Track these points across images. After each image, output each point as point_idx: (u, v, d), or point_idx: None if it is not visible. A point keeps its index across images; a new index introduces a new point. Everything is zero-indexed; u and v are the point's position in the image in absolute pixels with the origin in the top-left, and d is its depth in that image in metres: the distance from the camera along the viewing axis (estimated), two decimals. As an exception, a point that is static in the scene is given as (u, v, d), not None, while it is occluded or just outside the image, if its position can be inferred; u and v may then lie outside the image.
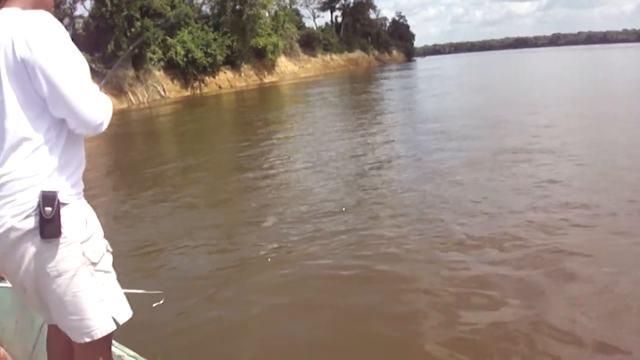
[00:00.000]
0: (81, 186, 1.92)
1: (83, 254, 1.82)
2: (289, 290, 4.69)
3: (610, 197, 6.46)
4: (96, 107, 1.83)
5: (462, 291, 4.32)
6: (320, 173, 9.35)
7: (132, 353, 2.68)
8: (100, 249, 1.91)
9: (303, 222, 6.51)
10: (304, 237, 5.99)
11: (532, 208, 6.21)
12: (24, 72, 1.72)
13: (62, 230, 1.75)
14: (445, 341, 3.67)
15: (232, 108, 27.66)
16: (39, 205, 1.73)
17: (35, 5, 1.83)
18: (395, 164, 9.51)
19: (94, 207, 2.00)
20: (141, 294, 3.49)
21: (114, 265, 1.99)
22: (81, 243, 1.82)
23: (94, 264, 1.86)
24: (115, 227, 7.16)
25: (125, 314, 1.96)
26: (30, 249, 1.76)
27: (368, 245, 5.50)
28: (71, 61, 1.78)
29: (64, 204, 1.78)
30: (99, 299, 1.86)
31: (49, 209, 1.72)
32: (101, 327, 1.87)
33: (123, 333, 2.47)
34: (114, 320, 1.90)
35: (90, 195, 1.99)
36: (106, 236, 2.00)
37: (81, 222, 1.84)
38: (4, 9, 1.79)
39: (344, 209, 6.79)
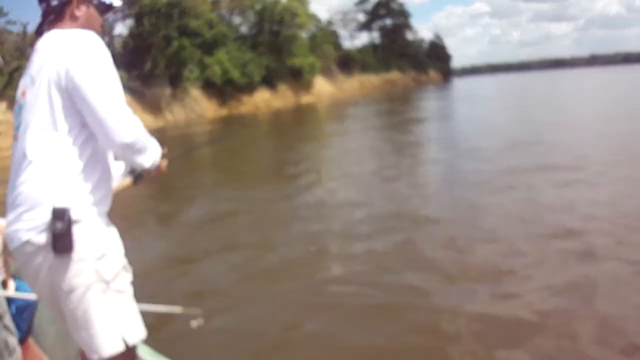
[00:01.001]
0: (104, 204, 1.94)
1: (97, 271, 1.83)
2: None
3: None
4: (125, 122, 1.85)
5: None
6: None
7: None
8: (116, 267, 1.89)
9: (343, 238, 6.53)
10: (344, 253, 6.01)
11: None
12: (62, 83, 1.82)
13: (75, 246, 1.77)
14: None
15: (271, 127, 27.91)
16: (51, 220, 1.76)
17: (85, 27, 1.93)
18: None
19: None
20: (180, 313, 3.49)
21: (134, 283, 1.98)
22: (95, 260, 1.82)
23: (107, 282, 1.85)
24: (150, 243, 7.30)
25: (137, 335, 1.94)
26: (44, 264, 1.80)
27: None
28: (110, 84, 1.85)
29: (78, 221, 1.80)
30: (109, 318, 1.85)
31: (59, 224, 1.75)
32: (108, 347, 1.85)
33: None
34: (125, 341, 1.88)
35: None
36: (137, 253, 1.98)
37: (96, 240, 1.84)
38: (56, 30, 1.91)
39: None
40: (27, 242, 1.78)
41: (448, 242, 6.18)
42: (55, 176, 1.81)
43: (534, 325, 4.07)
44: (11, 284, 3.92)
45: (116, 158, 2.04)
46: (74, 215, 1.78)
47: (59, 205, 1.77)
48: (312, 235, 7.04)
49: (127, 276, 1.95)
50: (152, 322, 2.84)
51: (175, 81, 35.11)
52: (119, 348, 1.86)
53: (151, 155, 1.99)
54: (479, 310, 4.37)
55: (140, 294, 2.03)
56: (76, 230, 1.78)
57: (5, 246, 3.93)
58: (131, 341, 1.90)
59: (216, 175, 13.69)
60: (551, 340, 3.83)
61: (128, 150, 1.89)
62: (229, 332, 4.35)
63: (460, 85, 46.29)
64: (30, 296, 3.67)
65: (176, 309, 3.41)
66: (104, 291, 1.84)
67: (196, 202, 10.20)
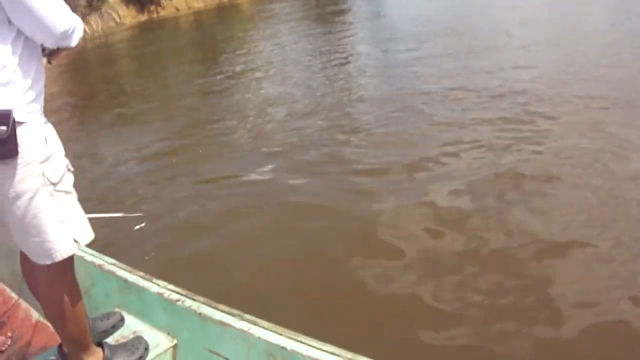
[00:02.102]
0: (41, 103, 1.87)
1: (42, 174, 1.79)
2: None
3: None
4: (60, 11, 1.76)
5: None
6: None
7: (112, 261, 2.87)
8: (61, 168, 1.88)
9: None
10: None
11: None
12: None
13: (20, 150, 1.72)
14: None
15: (191, 28, 27.06)
16: None
17: None
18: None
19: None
20: (122, 217, 3.66)
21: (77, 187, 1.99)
22: (40, 163, 1.79)
23: (54, 184, 1.84)
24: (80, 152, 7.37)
25: (87, 235, 1.98)
26: None
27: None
28: None
29: (21, 123, 1.73)
30: (59, 220, 1.86)
31: (3, 127, 1.67)
32: (62, 249, 1.88)
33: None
34: (75, 241, 1.92)
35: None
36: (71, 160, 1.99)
37: (40, 141, 1.80)
38: None
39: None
40: None
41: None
42: None
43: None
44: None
45: (44, 45, 1.91)
46: (17, 117, 1.72)
47: (1, 107, 1.69)
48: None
49: (71, 177, 1.96)
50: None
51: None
52: (72, 249, 1.92)
53: (78, 34, 1.90)
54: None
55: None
56: (20, 133, 1.72)
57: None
58: (83, 241, 1.96)
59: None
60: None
61: (64, 38, 1.83)
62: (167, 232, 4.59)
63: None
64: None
65: (118, 214, 3.59)
66: (52, 194, 1.83)
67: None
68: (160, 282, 2.57)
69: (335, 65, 10.63)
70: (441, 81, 8.10)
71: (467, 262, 3.70)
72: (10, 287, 3.62)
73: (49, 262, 1.90)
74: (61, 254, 1.89)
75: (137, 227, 3.43)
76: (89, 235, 2.01)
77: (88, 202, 5.36)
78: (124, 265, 2.77)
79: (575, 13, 12.85)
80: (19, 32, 1.77)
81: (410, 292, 3.49)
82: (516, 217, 4.14)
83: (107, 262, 2.83)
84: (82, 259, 2.94)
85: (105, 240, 3.07)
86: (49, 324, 2.88)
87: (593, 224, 3.96)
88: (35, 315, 3.30)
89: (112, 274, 2.74)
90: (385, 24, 15.92)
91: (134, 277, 2.65)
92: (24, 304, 3.44)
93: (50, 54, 2.00)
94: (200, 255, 4.19)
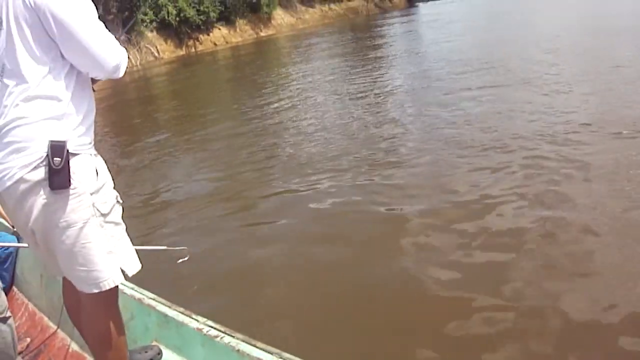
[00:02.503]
0: (91, 136, 1.95)
1: (93, 205, 1.85)
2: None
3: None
4: (111, 48, 1.85)
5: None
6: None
7: (151, 295, 2.91)
8: (111, 200, 1.94)
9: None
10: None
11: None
12: (35, 17, 1.76)
13: (72, 181, 1.79)
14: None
15: (229, 63, 27.62)
16: (47, 155, 1.75)
17: None
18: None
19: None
20: (165, 250, 3.70)
21: (124, 219, 2.04)
22: (91, 194, 1.85)
23: (104, 215, 1.90)
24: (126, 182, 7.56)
25: (133, 266, 2.04)
26: (39, 201, 1.79)
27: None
28: (86, 9, 1.83)
29: (74, 154, 1.81)
30: (107, 251, 1.91)
31: (57, 159, 1.73)
32: (109, 278, 1.93)
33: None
34: (123, 272, 1.97)
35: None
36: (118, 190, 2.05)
37: (91, 173, 1.87)
38: None
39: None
40: (21, 179, 1.77)
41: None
42: (47, 110, 1.79)
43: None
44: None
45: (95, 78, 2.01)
46: (70, 148, 1.79)
47: (56, 138, 1.76)
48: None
49: (120, 209, 2.02)
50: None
51: (129, 25, 34.04)
52: (119, 279, 1.96)
53: (124, 65, 1.98)
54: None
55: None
56: (72, 165, 1.79)
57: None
58: (130, 272, 2.00)
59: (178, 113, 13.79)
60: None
61: (115, 71, 1.90)
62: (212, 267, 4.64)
63: (425, 10, 45.74)
64: (12, 244, 3.85)
65: (161, 248, 3.62)
66: (102, 224, 1.90)
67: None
68: (199, 317, 2.59)
69: (372, 101, 10.69)
70: (476, 122, 8.02)
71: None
72: (49, 316, 3.69)
73: (95, 291, 1.94)
74: (109, 282, 1.95)
75: (180, 260, 3.45)
76: (136, 266, 2.05)
77: (131, 234, 5.51)
78: (163, 300, 2.80)
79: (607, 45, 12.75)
80: (72, 67, 1.86)
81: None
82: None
83: (146, 296, 2.87)
84: (121, 292, 2.96)
85: (147, 273, 3.09)
86: (85, 355, 2.92)
87: None
88: (72, 345, 3.34)
89: (152, 308, 2.77)
90: (420, 60, 15.99)
91: (174, 312, 2.67)
92: (61, 334, 3.49)
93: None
94: (246, 293, 4.24)
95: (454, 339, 3.37)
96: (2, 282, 4.09)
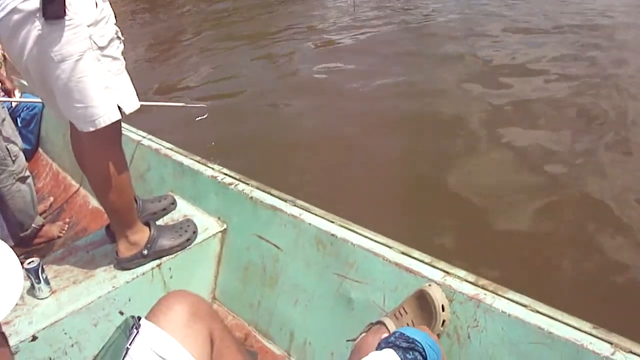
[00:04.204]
0: None
1: (90, 37, 1.78)
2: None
3: None
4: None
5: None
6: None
7: (169, 145, 2.86)
8: (109, 33, 1.86)
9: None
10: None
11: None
12: None
13: (67, 11, 1.71)
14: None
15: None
16: None
17: None
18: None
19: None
20: (184, 106, 3.65)
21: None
22: (88, 26, 1.77)
23: (100, 48, 1.82)
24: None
25: (132, 104, 1.95)
26: (33, 32, 1.74)
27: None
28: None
29: None
30: (104, 86, 1.85)
31: None
32: (105, 114, 1.87)
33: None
34: (120, 108, 1.90)
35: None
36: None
37: (89, 5, 1.78)
38: None
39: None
40: (14, 10, 1.70)
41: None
42: None
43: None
44: (17, 92, 4.09)
45: None
46: None
47: None
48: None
49: (120, 45, 1.93)
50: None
51: None
52: (116, 116, 1.88)
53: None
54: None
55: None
56: None
57: (5, 58, 4.05)
58: (127, 109, 1.92)
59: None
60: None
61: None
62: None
63: None
64: (36, 100, 3.86)
65: (179, 104, 3.59)
66: (98, 58, 1.82)
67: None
68: (215, 166, 2.54)
69: None
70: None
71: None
72: (72, 175, 3.74)
73: (92, 129, 1.87)
74: (104, 119, 1.87)
75: (199, 118, 3.40)
76: (134, 104, 1.96)
77: (152, 90, 5.58)
78: (180, 150, 2.76)
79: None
80: None
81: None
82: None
83: (163, 147, 2.83)
84: (139, 142, 2.96)
85: (165, 128, 3.05)
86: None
87: None
88: (93, 202, 3.39)
89: (168, 158, 2.73)
90: None
91: (189, 161, 2.63)
92: (82, 192, 3.54)
93: None
94: (270, 149, 4.18)
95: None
96: (27, 144, 4.16)
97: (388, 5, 8.24)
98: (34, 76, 1.90)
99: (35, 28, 1.73)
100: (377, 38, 6.68)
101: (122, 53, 1.94)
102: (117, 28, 1.93)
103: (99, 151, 2.00)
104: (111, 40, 1.87)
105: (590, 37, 6.04)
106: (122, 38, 1.95)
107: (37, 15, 1.70)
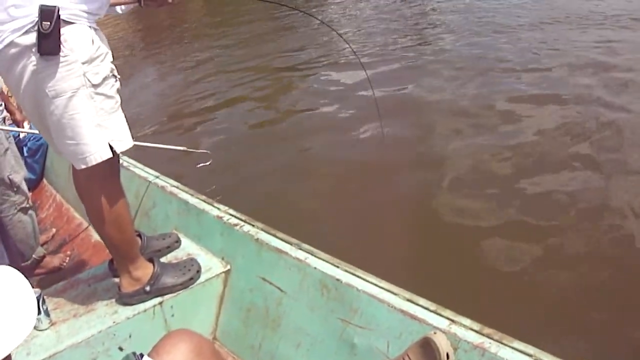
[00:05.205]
0: (92, 7, 1.88)
1: (84, 74, 1.81)
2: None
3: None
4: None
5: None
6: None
7: (174, 183, 2.89)
8: (104, 71, 1.88)
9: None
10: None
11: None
12: None
13: (63, 47, 1.75)
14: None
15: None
16: (38, 19, 1.71)
17: None
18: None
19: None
20: (186, 151, 3.67)
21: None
22: (82, 63, 1.80)
23: (94, 86, 1.85)
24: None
25: (124, 143, 1.96)
26: (29, 66, 1.78)
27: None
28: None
29: (68, 22, 1.77)
30: (96, 124, 1.86)
31: (46, 23, 1.70)
32: (97, 152, 1.88)
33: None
34: (111, 147, 1.91)
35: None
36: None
37: (85, 43, 1.82)
38: None
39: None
40: (12, 43, 1.75)
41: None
42: None
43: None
44: (26, 124, 4.14)
45: None
46: (64, 16, 1.75)
47: (46, 3, 1.72)
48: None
49: (116, 83, 1.96)
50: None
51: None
52: (107, 154, 1.90)
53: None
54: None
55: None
56: (65, 32, 1.76)
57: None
58: (119, 148, 1.93)
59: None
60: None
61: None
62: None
63: None
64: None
65: (180, 148, 3.61)
66: (91, 95, 1.84)
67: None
68: (220, 206, 2.57)
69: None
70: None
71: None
72: (75, 207, 3.76)
73: (83, 167, 1.90)
74: (95, 157, 1.88)
75: (201, 164, 3.42)
76: (127, 143, 1.98)
77: (151, 132, 5.64)
78: (186, 188, 2.79)
79: None
80: None
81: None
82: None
83: (169, 184, 2.86)
84: (145, 179, 3.00)
85: (167, 173, 3.08)
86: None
87: None
88: (96, 236, 3.39)
89: (174, 195, 2.76)
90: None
91: (195, 200, 2.65)
92: (85, 225, 3.56)
93: None
94: (271, 198, 4.20)
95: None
96: (32, 174, 4.19)
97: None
98: (30, 110, 1.95)
99: (31, 63, 1.77)
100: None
101: (118, 91, 1.97)
102: (113, 66, 1.95)
103: (94, 187, 2.02)
104: (105, 78, 1.89)
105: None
106: (119, 76, 1.98)
107: (33, 50, 1.75)
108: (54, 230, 3.77)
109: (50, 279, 3.24)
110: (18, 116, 4.11)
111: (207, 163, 3.48)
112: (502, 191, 3.99)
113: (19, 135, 4.11)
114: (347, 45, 7.28)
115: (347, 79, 6.92)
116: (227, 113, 6.52)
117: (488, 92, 5.84)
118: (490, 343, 1.50)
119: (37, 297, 2.02)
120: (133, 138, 2.02)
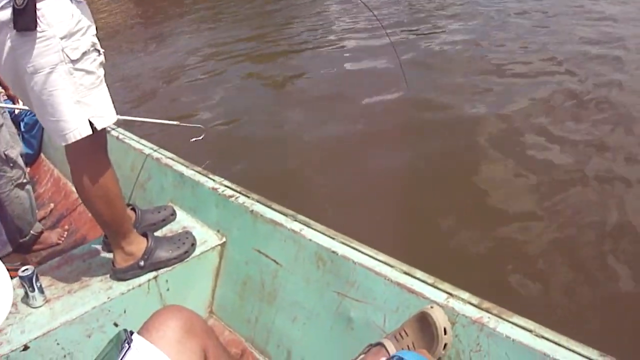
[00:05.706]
0: None
1: (62, 50, 1.76)
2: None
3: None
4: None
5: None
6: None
7: (170, 155, 2.84)
8: (84, 46, 1.82)
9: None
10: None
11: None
12: None
13: (40, 22, 1.69)
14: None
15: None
16: None
17: None
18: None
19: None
20: (179, 126, 3.61)
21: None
22: (61, 38, 1.75)
23: (73, 61, 1.79)
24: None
25: (105, 119, 1.92)
26: (7, 43, 1.74)
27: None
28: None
29: None
30: (75, 100, 1.82)
31: None
32: (76, 129, 1.83)
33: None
34: (91, 123, 1.86)
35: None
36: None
37: (64, 17, 1.76)
38: None
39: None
40: None
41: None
42: None
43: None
44: (20, 101, 4.08)
45: None
46: None
47: None
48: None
49: (98, 57, 1.90)
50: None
51: None
52: (86, 131, 1.85)
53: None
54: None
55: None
56: (42, 7, 1.70)
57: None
58: (99, 124, 1.88)
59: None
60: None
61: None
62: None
63: None
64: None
65: (173, 122, 3.54)
66: (70, 71, 1.79)
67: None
68: (216, 177, 2.52)
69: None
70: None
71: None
72: (72, 182, 3.72)
73: (63, 144, 1.87)
74: (74, 134, 1.84)
75: (194, 139, 3.35)
76: (109, 119, 1.93)
77: (145, 108, 5.60)
78: (181, 160, 2.74)
79: None
80: None
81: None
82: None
83: (164, 156, 2.82)
84: (140, 152, 2.95)
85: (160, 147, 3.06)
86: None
87: None
88: (93, 210, 3.37)
89: (169, 167, 2.71)
90: None
91: (190, 172, 2.61)
92: (82, 199, 3.52)
93: None
94: (269, 173, 4.17)
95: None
96: (30, 149, 4.15)
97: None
98: (13, 86, 1.93)
99: (9, 39, 1.73)
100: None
101: (102, 65, 1.91)
102: (96, 40, 1.89)
103: (78, 163, 1.98)
104: (85, 53, 1.83)
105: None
106: (102, 50, 1.91)
107: (10, 26, 1.70)
108: (52, 205, 3.73)
109: (48, 253, 3.23)
110: (12, 92, 4.05)
111: (200, 137, 3.41)
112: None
113: (14, 110, 4.06)
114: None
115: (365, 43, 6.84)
116: (225, 83, 6.48)
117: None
118: (489, 318, 1.45)
119: (30, 275, 2.01)
120: (123, 113, 1.96)
